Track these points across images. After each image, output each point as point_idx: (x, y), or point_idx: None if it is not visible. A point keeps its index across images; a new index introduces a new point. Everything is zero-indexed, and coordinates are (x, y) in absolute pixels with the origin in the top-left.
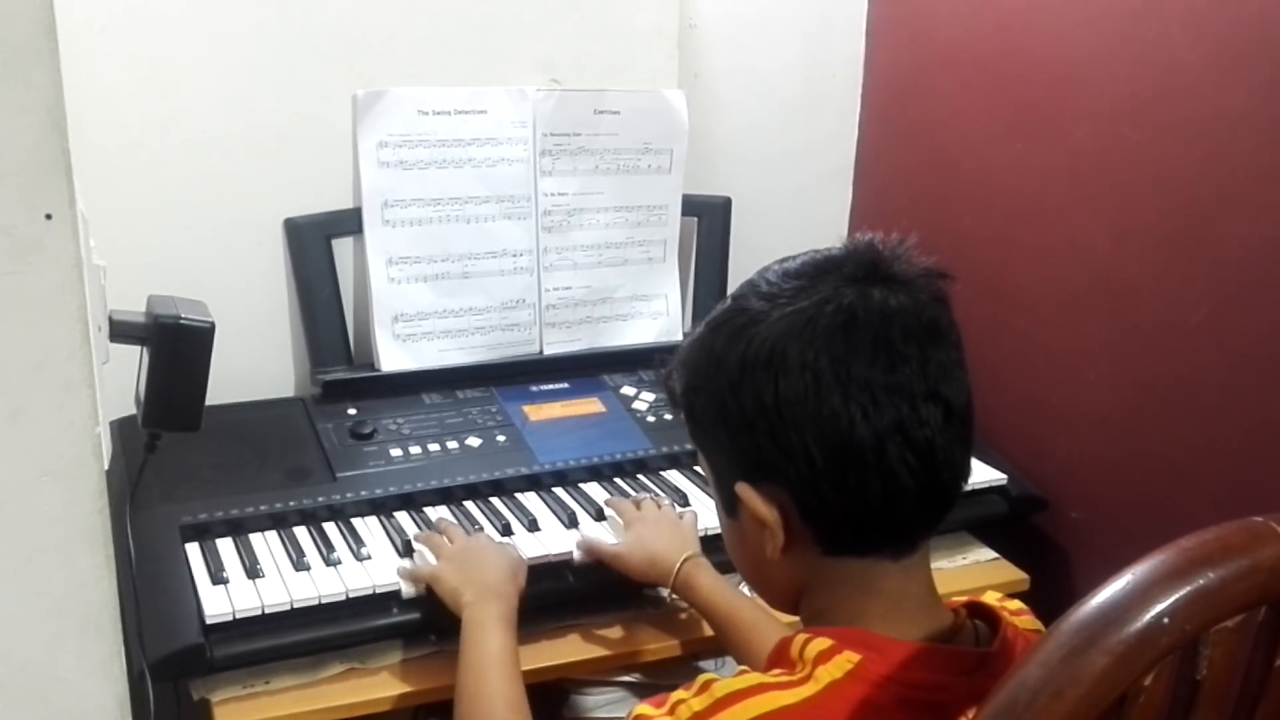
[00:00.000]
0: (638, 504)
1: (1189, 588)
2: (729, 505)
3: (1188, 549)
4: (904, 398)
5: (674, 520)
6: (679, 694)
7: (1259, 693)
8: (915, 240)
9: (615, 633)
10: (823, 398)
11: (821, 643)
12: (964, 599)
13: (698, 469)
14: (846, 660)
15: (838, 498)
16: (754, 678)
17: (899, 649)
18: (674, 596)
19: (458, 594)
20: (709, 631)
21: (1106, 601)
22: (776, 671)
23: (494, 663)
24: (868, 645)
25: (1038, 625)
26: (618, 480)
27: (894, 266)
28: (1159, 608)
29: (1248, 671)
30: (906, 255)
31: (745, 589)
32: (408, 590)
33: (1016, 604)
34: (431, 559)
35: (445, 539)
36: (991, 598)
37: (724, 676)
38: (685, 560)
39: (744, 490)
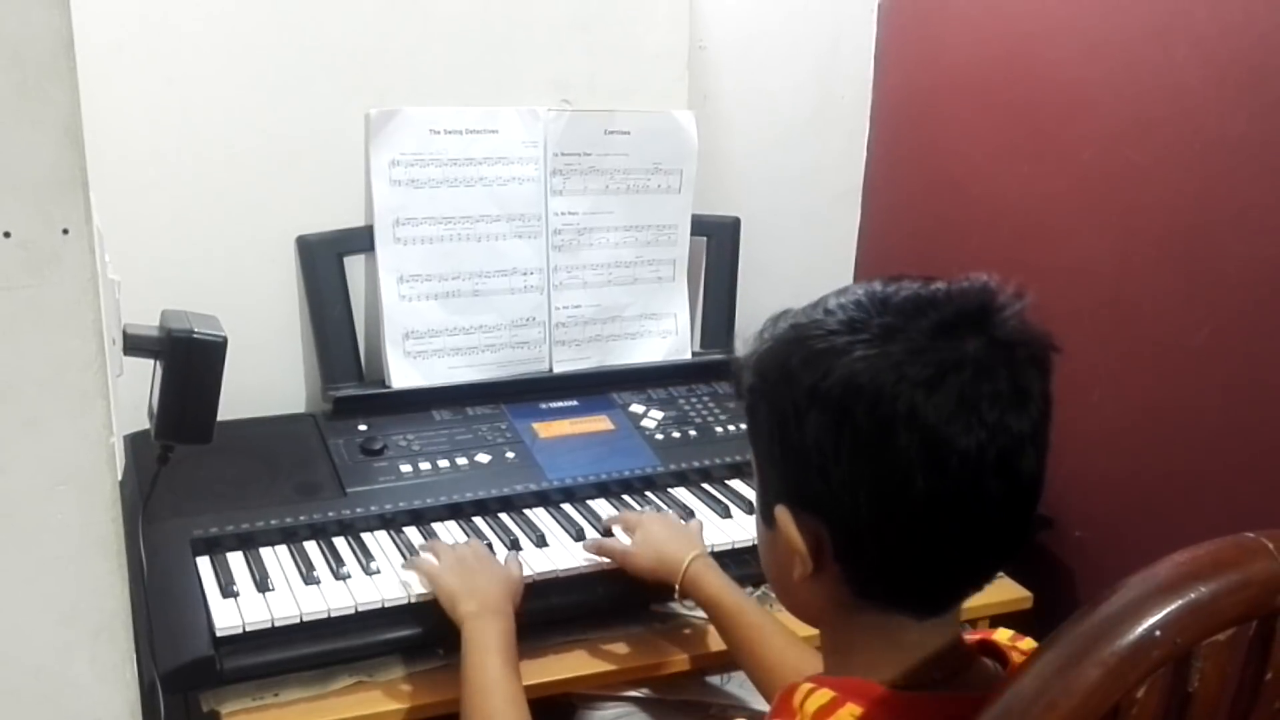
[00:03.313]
0: (641, 514)
1: (1181, 601)
2: (766, 514)
3: (1180, 563)
4: (970, 468)
5: (680, 524)
6: None
7: (1250, 706)
8: (1029, 299)
9: (622, 647)
10: (887, 449)
11: (823, 695)
12: (977, 637)
13: (705, 486)
14: (848, 714)
15: (875, 550)
16: None
17: (903, 701)
18: (682, 599)
19: (456, 600)
20: (716, 646)
21: (1100, 614)
22: None
23: (498, 686)
24: (870, 699)
25: None
26: (626, 497)
27: (998, 323)
28: (1151, 621)
29: (1239, 684)
30: (1016, 313)
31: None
32: (413, 586)
33: (1029, 642)
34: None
35: (448, 545)
36: (1003, 636)
37: (731, 691)
38: (693, 558)
39: (782, 514)
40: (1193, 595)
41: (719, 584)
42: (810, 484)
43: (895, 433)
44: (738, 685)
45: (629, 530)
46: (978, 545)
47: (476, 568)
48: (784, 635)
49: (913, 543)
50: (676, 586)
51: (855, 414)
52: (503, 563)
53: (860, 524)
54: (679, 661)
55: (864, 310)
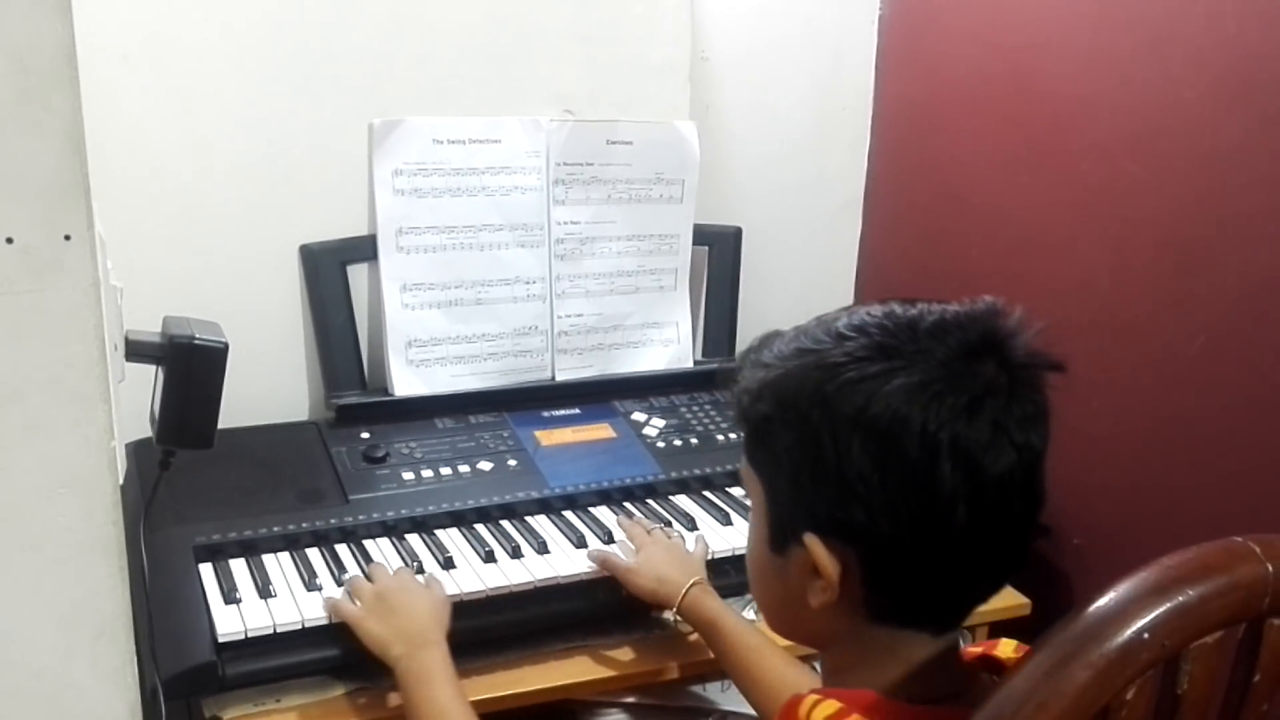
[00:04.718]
0: (648, 531)
1: (1169, 604)
2: (778, 541)
3: (1169, 567)
4: (1004, 492)
5: (683, 550)
6: None
7: (1238, 708)
8: (1042, 326)
9: (622, 654)
10: (934, 476)
11: (829, 706)
12: (979, 649)
13: (707, 494)
14: None
15: (907, 576)
16: None
17: (907, 713)
18: (678, 618)
19: (385, 646)
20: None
21: (1089, 617)
22: None
23: (450, 714)
24: (876, 710)
25: None
26: (627, 505)
27: (1016, 344)
28: (1140, 623)
29: (1228, 687)
30: (1028, 335)
31: (750, 612)
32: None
33: None
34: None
35: (367, 582)
36: (1007, 648)
37: (731, 698)
38: (693, 584)
39: (812, 542)
40: (1181, 598)
41: (718, 608)
42: (849, 512)
43: (940, 461)
44: (738, 692)
45: (634, 544)
46: (1000, 563)
47: (396, 605)
48: (782, 656)
49: (946, 567)
50: (675, 609)
51: (902, 443)
52: (425, 585)
53: (900, 552)
54: (680, 668)
55: (891, 335)
